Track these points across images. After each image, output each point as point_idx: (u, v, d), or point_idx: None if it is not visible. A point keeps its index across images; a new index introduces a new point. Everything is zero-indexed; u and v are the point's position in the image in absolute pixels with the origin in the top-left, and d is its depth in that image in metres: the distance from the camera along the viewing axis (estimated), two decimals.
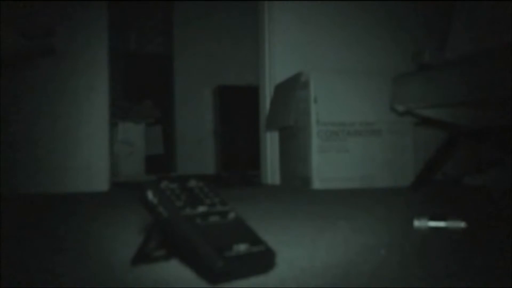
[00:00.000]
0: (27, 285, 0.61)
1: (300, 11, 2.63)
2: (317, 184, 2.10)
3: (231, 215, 0.64)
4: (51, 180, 2.32)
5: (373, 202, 1.63)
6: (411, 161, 2.19)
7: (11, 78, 2.27)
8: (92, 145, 2.41)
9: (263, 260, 0.61)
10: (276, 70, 2.60)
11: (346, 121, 2.15)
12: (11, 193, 2.15)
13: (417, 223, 0.95)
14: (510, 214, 1.18)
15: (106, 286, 0.60)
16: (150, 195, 0.62)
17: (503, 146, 1.91)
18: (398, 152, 2.19)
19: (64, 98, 2.38)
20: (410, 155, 2.20)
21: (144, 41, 4.03)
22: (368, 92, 2.19)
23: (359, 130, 2.16)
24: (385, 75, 2.10)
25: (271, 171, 2.64)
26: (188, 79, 4.06)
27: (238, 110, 3.80)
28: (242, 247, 0.58)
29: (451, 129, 1.90)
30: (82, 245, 0.91)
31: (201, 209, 0.62)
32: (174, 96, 4.07)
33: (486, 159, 2.03)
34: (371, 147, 2.16)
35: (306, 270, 0.65)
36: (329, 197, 1.76)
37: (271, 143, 2.64)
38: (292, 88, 2.25)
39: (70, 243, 0.93)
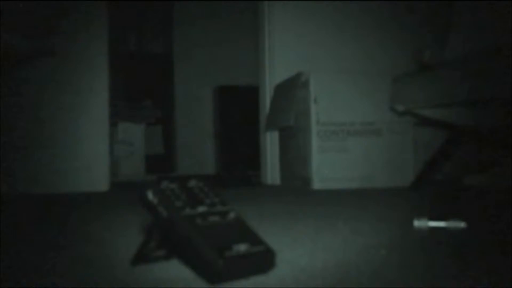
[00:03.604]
0: (27, 285, 0.61)
1: (300, 11, 2.63)
2: (317, 184, 2.10)
3: (231, 215, 0.64)
4: (51, 180, 2.32)
5: (373, 202, 1.63)
6: (411, 161, 2.19)
7: (11, 78, 2.27)
8: (92, 145, 2.41)
9: (263, 260, 0.61)
10: (276, 70, 2.60)
11: (346, 121, 2.15)
12: (11, 193, 2.15)
13: (417, 223, 0.95)
14: (510, 214, 1.18)
15: (106, 286, 0.60)
16: (150, 195, 0.62)
17: (503, 146, 1.91)
18: (398, 152, 2.19)
19: (64, 98, 2.38)
20: (410, 155, 2.20)
21: (144, 41, 4.03)
22: (368, 92, 2.19)
23: (359, 130, 2.16)
24: (385, 75, 2.10)
25: (271, 171, 2.64)
26: (188, 79, 4.06)
27: (238, 110, 3.80)
28: (242, 247, 0.58)
29: (451, 129, 1.90)
30: (81, 245, 0.91)
31: (201, 209, 0.62)
32: (174, 96, 4.07)
33: (486, 159, 2.03)
34: (371, 147, 2.16)
35: (306, 270, 0.65)
36: (329, 197, 1.76)
37: (271, 143, 2.64)
38: (292, 88, 2.25)
39: (69, 243, 0.93)
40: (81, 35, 2.40)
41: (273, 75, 2.61)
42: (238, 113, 3.80)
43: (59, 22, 2.28)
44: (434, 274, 0.63)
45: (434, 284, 0.58)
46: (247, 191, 2.20)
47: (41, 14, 1.95)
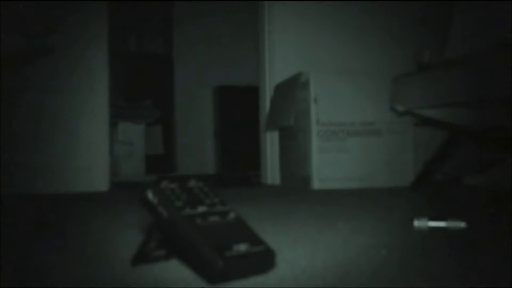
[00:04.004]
0: (27, 285, 0.61)
1: (300, 11, 2.63)
2: (317, 184, 2.10)
3: (231, 215, 0.64)
4: (51, 180, 2.32)
5: (373, 202, 1.63)
6: (411, 161, 2.19)
7: (11, 78, 2.27)
8: (92, 145, 2.41)
9: (263, 260, 0.61)
10: (276, 70, 2.60)
11: (346, 121, 2.15)
12: (11, 193, 2.15)
13: (417, 223, 0.95)
14: (510, 214, 1.18)
15: (106, 286, 0.60)
16: (150, 195, 0.62)
17: (503, 146, 1.90)
18: (398, 152, 2.19)
19: (64, 98, 2.38)
20: (410, 155, 2.19)
21: (144, 41, 4.03)
22: (368, 92, 2.19)
23: (359, 130, 2.15)
24: (385, 75, 2.10)
25: (271, 171, 2.64)
26: (188, 79, 4.06)
27: (238, 110, 3.80)
28: (242, 247, 0.58)
29: (451, 129, 1.90)
30: (82, 245, 0.91)
31: (201, 209, 0.62)
32: (174, 96, 4.07)
33: (486, 159, 2.03)
34: (371, 147, 2.16)
35: (306, 270, 0.65)
36: (329, 197, 1.76)
37: (271, 143, 2.64)
38: (292, 88, 2.25)
39: (69, 243, 0.93)
40: (81, 35, 2.39)
41: (273, 75, 2.61)
42: (238, 113, 3.80)
43: (59, 22, 2.27)
44: (434, 274, 0.63)
45: (434, 284, 0.58)
46: (247, 191, 2.20)
47: (42, 13, 1.95)
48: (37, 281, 0.63)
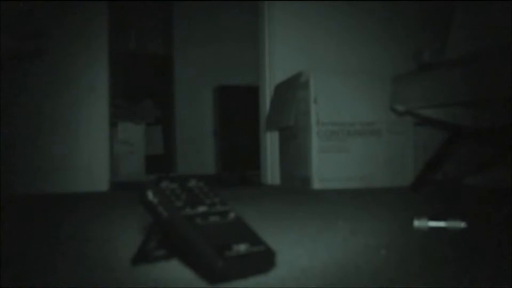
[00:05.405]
0: (27, 285, 0.61)
1: (300, 11, 2.63)
2: (317, 184, 2.10)
3: (231, 215, 0.64)
4: (51, 180, 2.32)
5: (373, 202, 1.63)
6: (411, 161, 2.19)
7: (11, 78, 2.27)
8: (92, 145, 2.42)
9: (263, 260, 0.61)
10: (276, 70, 2.60)
11: (346, 121, 2.15)
12: (11, 193, 2.15)
13: (417, 223, 0.95)
14: (510, 214, 1.18)
15: (106, 286, 0.60)
16: (150, 195, 0.62)
17: (503, 146, 1.90)
18: (398, 152, 2.19)
19: (64, 98, 2.38)
20: (410, 155, 2.20)
21: (144, 41, 4.03)
22: (368, 92, 2.19)
23: (359, 130, 2.15)
24: (385, 75, 2.10)
25: (271, 171, 2.64)
26: (188, 79, 4.06)
27: (238, 110, 3.80)
28: (242, 247, 0.58)
29: (451, 129, 1.90)
30: (82, 245, 0.91)
31: (201, 209, 0.62)
32: (174, 96, 4.07)
33: (486, 159, 2.03)
34: (371, 147, 2.16)
35: (306, 270, 0.65)
36: (329, 197, 1.76)
37: (271, 143, 2.64)
38: (292, 88, 2.25)
39: (70, 243, 0.93)
40: (81, 35, 2.40)
41: (273, 75, 2.61)
42: (238, 113, 3.80)
43: (59, 23, 2.27)
44: (434, 274, 0.63)
45: (434, 284, 0.58)
46: (247, 191, 2.20)
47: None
48: (37, 281, 0.63)
